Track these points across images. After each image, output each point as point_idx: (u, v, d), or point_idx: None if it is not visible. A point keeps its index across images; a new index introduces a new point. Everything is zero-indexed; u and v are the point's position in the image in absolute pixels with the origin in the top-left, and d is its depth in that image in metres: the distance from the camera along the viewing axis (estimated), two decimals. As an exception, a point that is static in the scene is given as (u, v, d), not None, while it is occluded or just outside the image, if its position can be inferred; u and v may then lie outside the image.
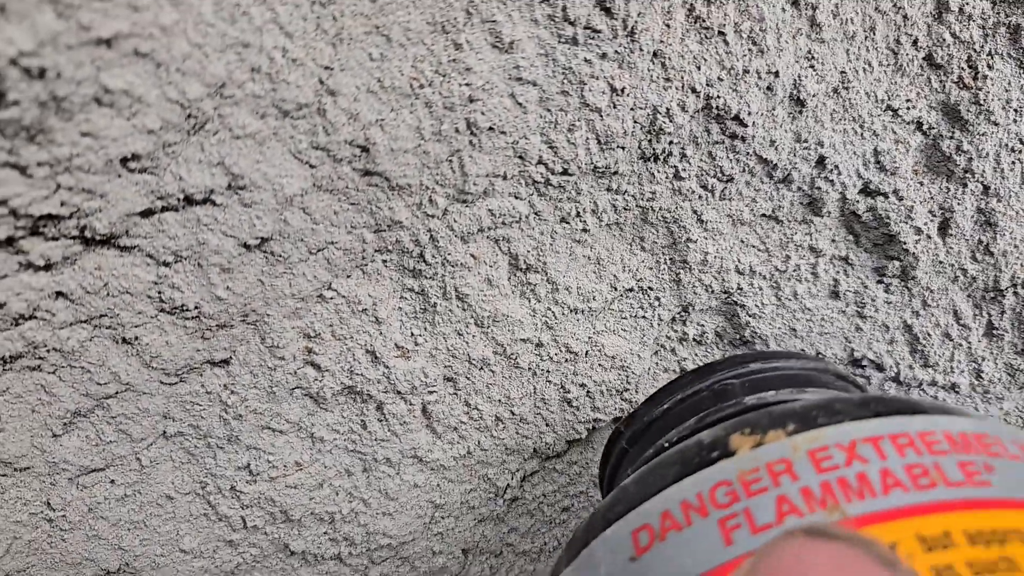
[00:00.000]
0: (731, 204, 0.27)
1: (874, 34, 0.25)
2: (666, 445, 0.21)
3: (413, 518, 0.28)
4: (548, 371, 0.28)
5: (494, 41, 0.22)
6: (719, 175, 0.26)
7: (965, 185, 0.27)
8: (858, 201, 0.27)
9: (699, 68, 0.24)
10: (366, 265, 0.25)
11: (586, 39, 0.22)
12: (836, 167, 0.26)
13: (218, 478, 0.26)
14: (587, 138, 0.24)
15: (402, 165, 0.22)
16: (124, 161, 0.19)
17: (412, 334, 0.26)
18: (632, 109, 0.24)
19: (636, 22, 0.22)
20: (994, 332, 0.28)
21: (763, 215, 0.27)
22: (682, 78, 0.24)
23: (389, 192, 0.23)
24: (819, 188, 0.27)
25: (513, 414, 0.28)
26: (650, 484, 0.17)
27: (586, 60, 0.23)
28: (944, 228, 0.27)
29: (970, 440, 0.16)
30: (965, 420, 0.17)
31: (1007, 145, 0.26)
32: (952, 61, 0.26)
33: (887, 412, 0.17)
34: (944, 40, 0.25)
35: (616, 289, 0.28)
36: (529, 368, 0.27)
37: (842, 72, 0.25)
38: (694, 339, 0.29)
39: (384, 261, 0.25)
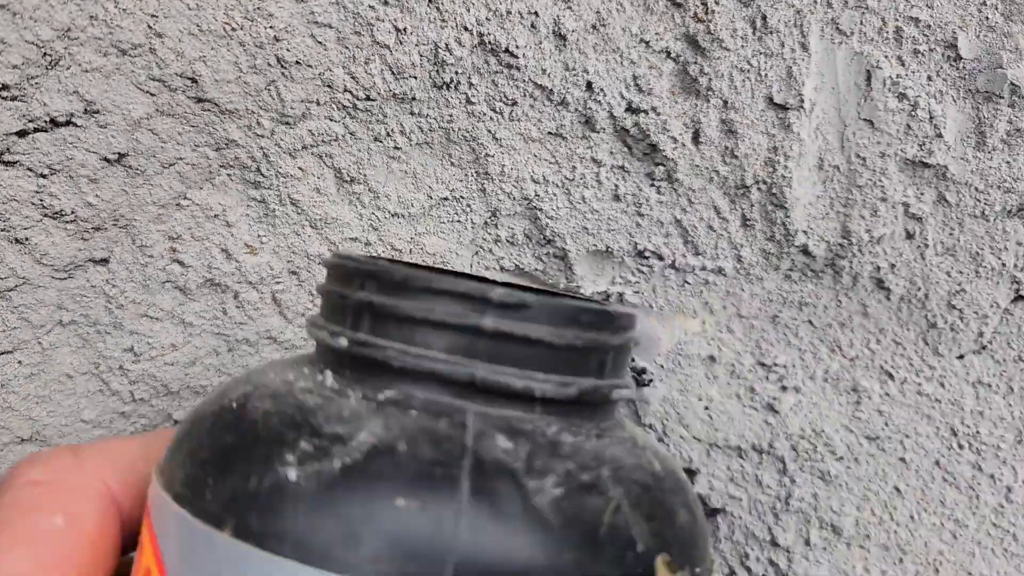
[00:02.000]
0: (520, 124, 0.34)
1: (622, -21, 0.32)
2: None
3: (275, 391, 0.36)
4: (378, 266, 0.35)
5: (290, -8, 0.28)
6: (505, 100, 0.33)
7: (709, 101, 0.33)
8: (625, 118, 0.34)
9: (468, 10, 0.31)
10: (214, 178, 0.31)
11: (369, -11, 0.29)
12: (602, 90, 0.33)
13: (108, 359, 0.33)
14: (382, 69, 0.31)
15: (228, 93, 0.29)
16: (-1, 91, 0.26)
17: (258, 235, 0.33)
18: (416, 45, 0.31)
19: (410, -26, 0.29)
20: (747, 223, 0.35)
21: (549, 133, 0.34)
22: (455, 19, 0.30)
23: (221, 116, 0.30)
24: (591, 108, 0.34)
25: (351, 303, 0.35)
26: None
27: (370, 6, 0.29)
28: (696, 137, 0.34)
29: None
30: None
31: (737, 66, 0.33)
32: (688, 0, 0.32)
33: None
34: (680, -19, 0.32)
35: (432, 198, 0.34)
36: (361, 264, 0.34)
37: (597, 12, 0.32)
38: (507, 240, 0.36)
39: (229, 175, 0.32)
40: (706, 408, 0.38)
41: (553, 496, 0.14)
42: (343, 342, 0.16)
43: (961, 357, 0.37)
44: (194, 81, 0.28)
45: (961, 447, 0.38)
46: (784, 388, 0.38)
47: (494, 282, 0.19)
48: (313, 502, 0.13)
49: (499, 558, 0.13)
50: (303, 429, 0.14)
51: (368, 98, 0.31)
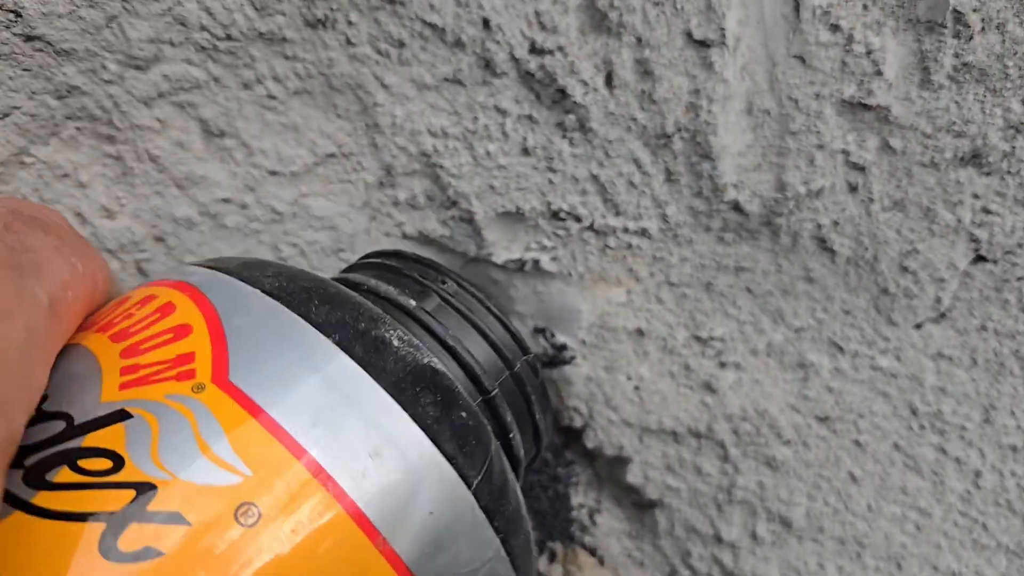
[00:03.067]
0: (411, 69, 0.31)
1: (517, -98, 0.29)
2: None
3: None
4: (258, 231, 0.32)
5: (125, -88, 0.25)
6: (391, 40, 0.30)
7: (621, 38, 0.30)
8: (529, 60, 0.31)
9: (338, -65, 0.28)
10: (60, 132, 0.29)
11: (219, -90, 0.26)
12: (501, 28, 0.30)
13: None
14: (241, 3, 0.28)
15: (61, 30, 0.26)
16: None
17: (116, 196, 0.30)
18: (280, -25, 0.28)
19: None
20: (672, 176, 0.32)
21: (445, 79, 0.31)
22: (323, -55, 0.28)
23: (57, 57, 0.27)
24: (490, 50, 0.31)
25: (228, 272, 0.32)
26: None
27: (222, -71, 0.26)
28: (609, 80, 0.31)
29: None
30: None
31: (650, -2, 0.30)
32: (594, -77, 0.29)
33: None
34: (583, -96, 0.29)
35: (316, 154, 0.32)
36: (237, 228, 0.31)
37: (490, -62, 0.29)
38: (407, 203, 0.33)
39: (77, 128, 0.29)
40: (636, 388, 0.35)
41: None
42: (412, 303, 0.22)
43: (918, 327, 0.34)
44: (18, 15, 0.25)
45: (922, 428, 0.35)
46: (722, 364, 0.35)
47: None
48: (407, 365, 0.18)
49: None
50: (398, 324, 0.20)
51: (229, 37, 0.28)
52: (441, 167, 0.32)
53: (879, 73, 0.30)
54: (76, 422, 0.16)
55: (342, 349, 0.17)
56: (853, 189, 0.31)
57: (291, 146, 0.31)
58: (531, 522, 0.22)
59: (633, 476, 0.36)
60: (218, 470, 0.15)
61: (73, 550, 0.14)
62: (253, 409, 0.16)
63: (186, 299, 0.18)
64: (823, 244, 0.33)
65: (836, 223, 0.32)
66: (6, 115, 0.27)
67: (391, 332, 0.19)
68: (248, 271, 0.20)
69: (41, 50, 0.27)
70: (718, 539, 0.36)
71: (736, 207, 0.32)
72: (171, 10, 0.27)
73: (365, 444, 0.16)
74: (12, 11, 0.25)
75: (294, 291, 0.19)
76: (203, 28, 0.28)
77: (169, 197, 0.30)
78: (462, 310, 0.23)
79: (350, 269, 0.26)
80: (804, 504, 0.36)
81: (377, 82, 0.31)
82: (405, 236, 0.34)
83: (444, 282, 0.24)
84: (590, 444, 0.36)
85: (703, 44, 0.30)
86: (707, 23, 0.30)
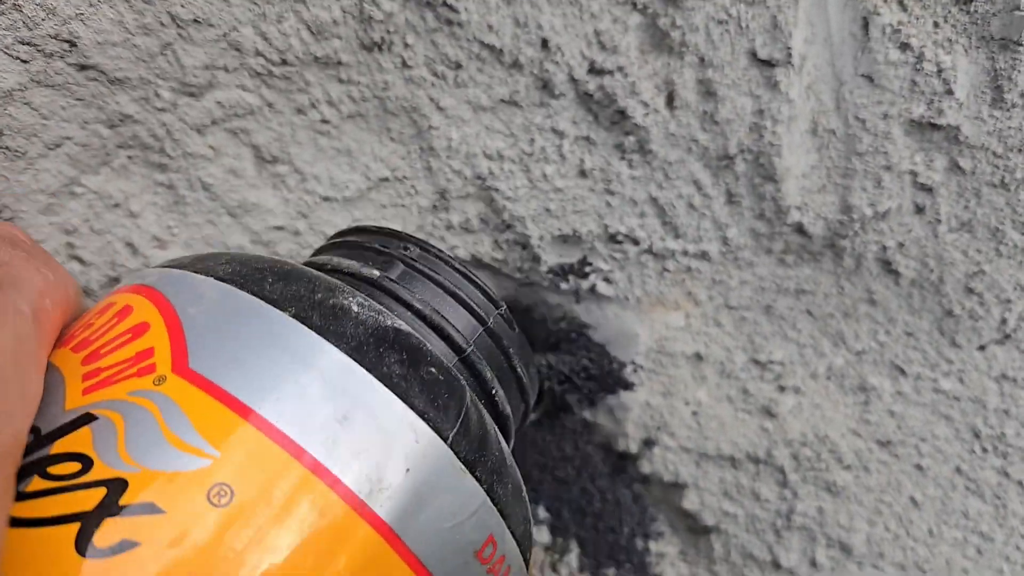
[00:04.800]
0: (467, 91, 0.30)
1: (577, -81, 0.28)
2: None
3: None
4: (310, 259, 0.31)
5: (183, -63, 0.25)
6: (447, 62, 0.29)
7: (683, 58, 0.30)
8: (588, 81, 0.30)
9: (398, -43, 0.27)
10: (111, 161, 0.28)
11: (278, -67, 0.26)
12: (560, 49, 0.30)
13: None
14: (298, 28, 0.27)
15: (115, 59, 0.26)
16: None
17: (168, 226, 0.29)
18: (338, -1, 0.27)
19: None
20: (733, 199, 0.32)
21: (502, 100, 0.31)
22: (382, -33, 0.27)
23: (110, 86, 0.26)
24: (548, 71, 0.30)
25: (280, 301, 0.31)
26: None
27: (280, -48, 0.26)
28: (671, 101, 0.30)
29: None
30: None
31: (714, 17, 0.29)
32: (656, -59, 0.29)
33: None
34: (646, -79, 0.29)
35: (370, 179, 0.31)
36: (290, 255, 0.31)
37: (550, -43, 0.29)
38: (461, 226, 0.33)
39: (129, 157, 0.28)
40: (694, 413, 0.35)
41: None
42: (375, 273, 0.22)
43: (982, 348, 0.33)
44: (72, 44, 0.25)
45: (985, 451, 0.34)
46: (782, 388, 0.35)
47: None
48: (368, 328, 0.18)
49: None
50: (358, 292, 0.20)
51: (285, 62, 0.28)
52: (496, 190, 0.32)
53: (950, 92, 0.29)
54: (43, 432, 0.16)
55: (299, 320, 0.18)
56: (920, 210, 0.31)
57: (344, 171, 0.30)
58: (519, 472, 0.22)
59: (689, 502, 0.36)
60: (186, 456, 0.15)
61: (51, 553, 0.14)
62: (214, 391, 0.16)
63: (142, 299, 0.19)
64: (887, 266, 0.32)
65: (901, 245, 0.31)
66: (57, 146, 0.27)
67: (350, 299, 0.19)
68: (201, 263, 0.20)
69: (95, 79, 0.26)
70: (776, 565, 0.36)
71: (799, 229, 0.31)
72: (226, 36, 0.27)
73: (332, 410, 0.17)
74: (67, 40, 0.25)
75: (247, 273, 0.19)
76: (258, 53, 0.27)
77: (221, 226, 0.30)
78: (427, 272, 0.23)
79: (316, 253, 0.25)
80: (864, 530, 0.35)
81: (433, 104, 0.30)
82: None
83: (407, 248, 0.24)
84: (646, 470, 0.35)
85: (768, 63, 0.29)
86: (772, 42, 0.29)
